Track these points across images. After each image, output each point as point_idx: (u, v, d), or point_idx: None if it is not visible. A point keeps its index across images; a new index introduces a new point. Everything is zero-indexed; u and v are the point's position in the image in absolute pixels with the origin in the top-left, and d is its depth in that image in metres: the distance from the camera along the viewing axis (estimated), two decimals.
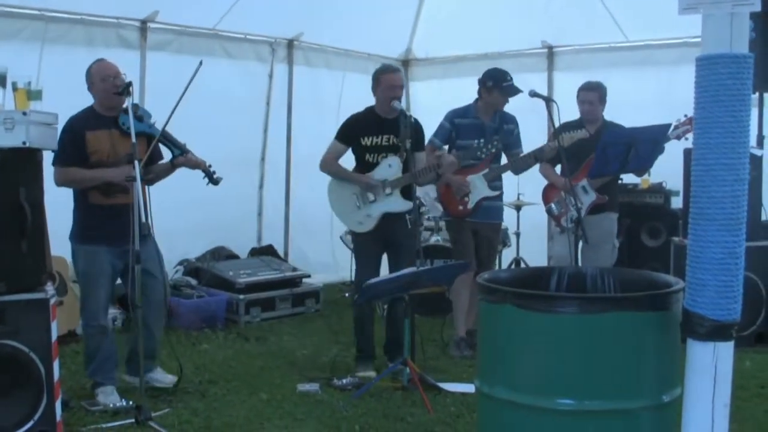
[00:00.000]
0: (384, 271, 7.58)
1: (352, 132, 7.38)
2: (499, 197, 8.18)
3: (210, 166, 6.59)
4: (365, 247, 7.35)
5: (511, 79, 7.91)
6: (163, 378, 6.72)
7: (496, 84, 7.85)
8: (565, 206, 7.96)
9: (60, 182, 6.25)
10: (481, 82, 7.97)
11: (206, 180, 6.61)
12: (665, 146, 7.71)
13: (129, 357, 6.62)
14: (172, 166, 6.54)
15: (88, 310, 6.40)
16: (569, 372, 3.85)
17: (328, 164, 7.40)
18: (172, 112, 6.10)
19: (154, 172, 6.56)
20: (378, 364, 7.38)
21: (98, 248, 6.31)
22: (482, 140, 7.49)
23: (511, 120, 8.10)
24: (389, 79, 7.29)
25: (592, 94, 8.30)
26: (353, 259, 7.51)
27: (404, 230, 7.37)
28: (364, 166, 7.37)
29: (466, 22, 11.39)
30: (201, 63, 6.02)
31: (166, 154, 6.62)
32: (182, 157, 6.48)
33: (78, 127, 6.27)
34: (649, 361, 3.88)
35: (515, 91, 7.84)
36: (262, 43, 11.09)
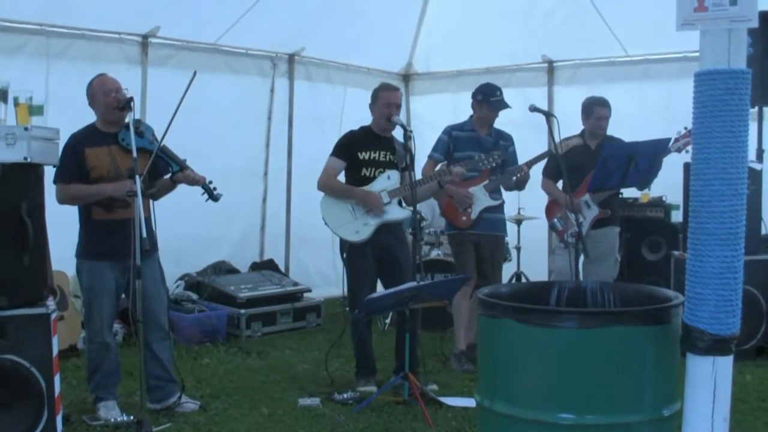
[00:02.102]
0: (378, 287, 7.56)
1: (349, 146, 7.38)
2: (501, 207, 8.21)
3: (210, 182, 6.57)
4: (361, 260, 7.29)
5: (501, 94, 8.01)
6: (189, 406, 6.63)
7: (485, 98, 7.97)
8: (568, 221, 7.98)
9: (61, 199, 6.25)
10: (473, 95, 8.11)
11: (206, 196, 6.59)
12: (663, 161, 7.74)
13: (148, 385, 6.45)
14: (172, 183, 6.54)
15: (91, 326, 6.38)
16: (569, 386, 3.86)
17: (327, 181, 7.35)
18: (169, 125, 6.09)
19: (157, 187, 6.56)
20: (379, 378, 7.38)
21: (102, 264, 6.30)
22: (483, 154, 7.55)
23: (507, 138, 8.18)
24: (387, 97, 7.33)
25: (608, 111, 8.32)
26: (345, 273, 7.48)
27: (401, 244, 7.42)
28: (359, 180, 7.34)
29: (466, 37, 11.42)
30: (195, 73, 6.01)
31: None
32: (181, 173, 6.46)
33: (77, 144, 6.27)
34: (648, 376, 3.89)
35: (503, 106, 7.95)
36: (263, 57, 11.13)
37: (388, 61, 12.54)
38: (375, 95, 7.42)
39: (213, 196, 6.56)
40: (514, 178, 7.87)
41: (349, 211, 7.26)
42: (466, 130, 8.10)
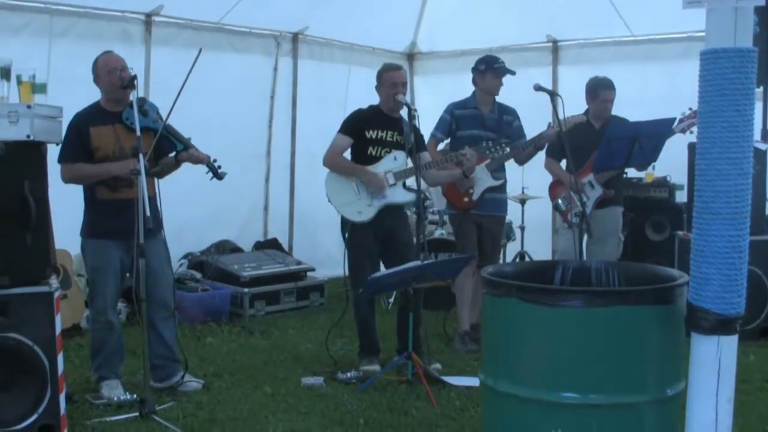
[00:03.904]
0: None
1: (357, 124, 7.36)
2: (503, 187, 8.20)
3: (215, 161, 6.56)
4: (362, 239, 7.28)
5: (503, 62, 8.00)
6: (192, 385, 6.65)
7: (489, 66, 7.98)
8: (572, 201, 7.96)
9: (66, 179, 6.24)
10: (475, 69, 8.10)
11: (210, 175, 6.59)
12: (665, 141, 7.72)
13: (152, 364, 6.48)
14: (177, 162, 6.53)
15: (95, 305, 6.39)
16: (573, 366, 3.86)
17: (334, 159, 7.33)
18: (174, 104, 6.08)
19: (161, 166, 6.55)
20: (382, 357, 7.38)
21: (107, 243, 6.30)
22: (490, 141, 7.54)
23: (511, 112, 8.15)
24: (391, 77, 7.31)
25: (613, 93, 8.27)
26: (346, 252, 7.48)
27: (403, 224, 7.42)
28: (365, 159, 7.32)
29: (470, 17, 11.39)
30: (200, 50, 6.00)
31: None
32: (185, 152, 6.45)
33: (82, 123, 6.26)
34: (653, 355, 3.89)
35: (506, 71, 7.95)
36: (267, 36, 11.10)
37: (392, 40, 12.51)
38: (379, 76, 7.40)
39: (217, 174, 6.57)
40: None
41: (353, 190, 7.24)
42: (469, 107, 8.08)
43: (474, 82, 8.10)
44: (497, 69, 7.94)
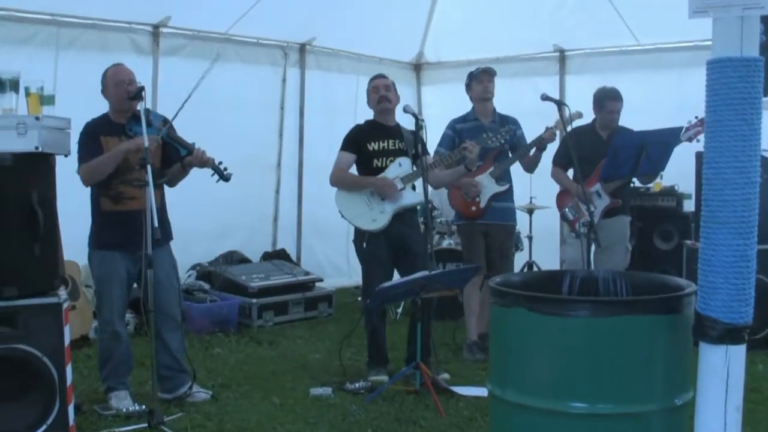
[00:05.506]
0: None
1: (357, 139, 7.43)
2: (510, 195, 8.25)
3: (220, 163, 6.55)
4: (375, 250, 7.29)
5: (481, 68, 8.16)
6: (201, 396, 6.66)
7: (470, 77, 8.18)
8: (579, 211, 7.96)
9: (86, 178, 6.23)
10: (465, 86, 8.27)
11: (216, 177, 6.57)
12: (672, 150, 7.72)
13: (159, 375, 6.39)
14: (183, 167, 6.54)
15: (102, 316, 6.40)
16: (581, 375, 3.85)
17: (339, 175, 7.38)
18: (177, 112, 6.12)
19: (169, 175, 6.56)
20: (391, 368, 7.38)
21: (113, 253, 6.32)
22: (490, 132, 7.59)
23: (512, 122, 8.18)
24: (373, 85, 7.52)
25: (620, 104, 8.28)
26: (360, 263, 7.50)
27: (416, 234, 7.42)
28: (372, 171, 7.36)
29: (477, 27, 11.40)
30: (217, 56, 6.03)
31: None
32: (190, 156, 6.45)
33: (94, 131, 6.30)
34: (660, 365, 3.87)
35: (483, 71, 8.10)
36: (274, 47, 11.12)
37: (399, 50, 12.55)
38: (367, 91, 7.57)
39: (223, 176, 6.55)
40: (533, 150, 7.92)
41: (365, 201, 7.27)
42: (470, 120, 8.15)
43: (470, 99, 8.19)
44: (475, 74, 8.10)
